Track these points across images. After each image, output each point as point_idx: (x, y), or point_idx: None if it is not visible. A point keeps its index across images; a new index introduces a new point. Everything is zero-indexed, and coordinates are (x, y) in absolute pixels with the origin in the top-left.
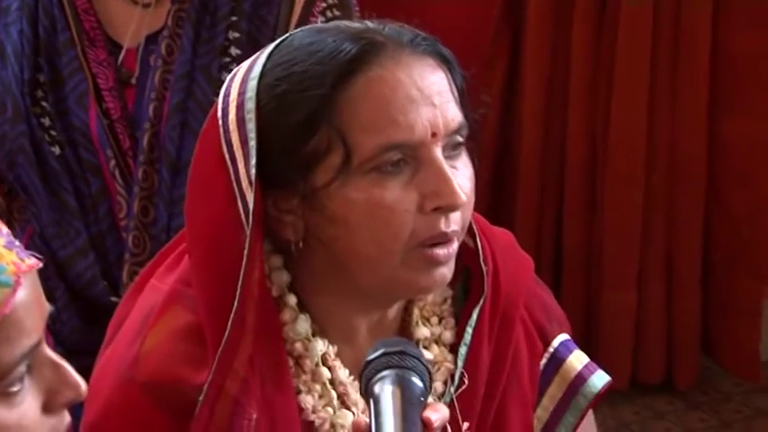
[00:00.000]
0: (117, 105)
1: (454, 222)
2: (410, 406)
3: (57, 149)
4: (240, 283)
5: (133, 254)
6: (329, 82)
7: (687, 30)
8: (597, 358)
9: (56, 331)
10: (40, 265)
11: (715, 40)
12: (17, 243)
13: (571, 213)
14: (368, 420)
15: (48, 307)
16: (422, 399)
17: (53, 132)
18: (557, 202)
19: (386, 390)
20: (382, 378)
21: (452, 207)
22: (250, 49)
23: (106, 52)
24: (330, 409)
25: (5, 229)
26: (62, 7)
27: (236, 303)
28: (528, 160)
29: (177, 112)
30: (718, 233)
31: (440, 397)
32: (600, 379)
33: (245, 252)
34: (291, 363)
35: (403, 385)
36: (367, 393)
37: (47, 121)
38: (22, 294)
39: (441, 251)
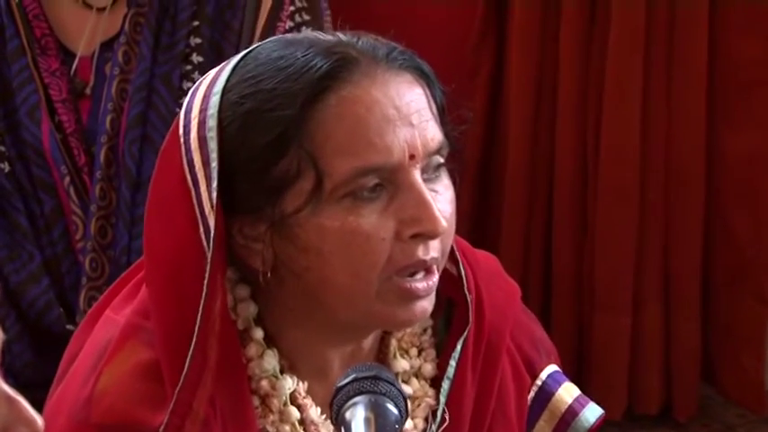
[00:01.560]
0: (71, 118)
1: (434, 249)
2: None
3: (6, 166)
4: (200, 315)
5: (90, 278)
6: (299, 101)
7: (683, 32)
8: (589, 387)
9: (6, 364)
10: None
11: (713, 44)
12: None
13: (561, 232)
14: None
15: (1, 336)
16: (396, 426)
17: (2, 148)
18: (545, 220)
19: (358, 416)
20: (354, 404)
21: (432, 234)
22: (213, 56)
23: (59, 61)
24: None
25: None
26: (11, 13)
27: (195, 337)
28: (514, 175)
29: (136, 125)
30: (719, 253)
31: None
32: (592, 413)
33: (206, 281)
34: (257, 402)
35: (376, 411)
36: (338, 422)
37: None
38: None
39: (420, 284)
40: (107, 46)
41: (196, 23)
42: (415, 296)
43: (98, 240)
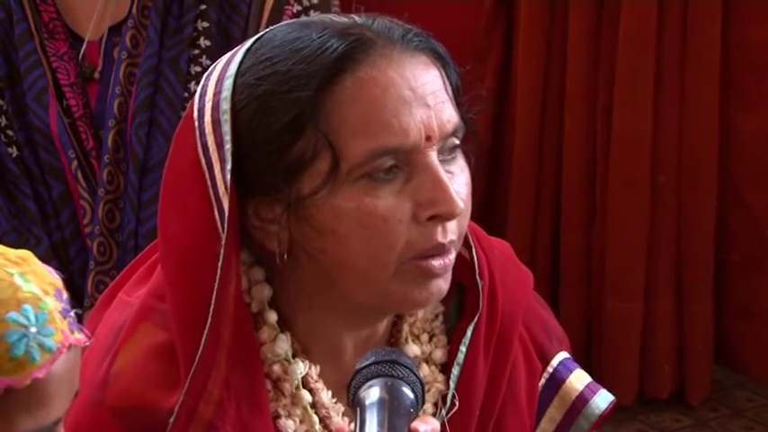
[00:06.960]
0: (79, 102)
1: (451, 232)
2: (398, 416)
3: (14, 151)
4: (214, 297)
5: (98, 262)
6: (315, 83)
7: (696, 15)
8: (600, 372)
9: None
10: (88, 343)
11: (726, 28)
12: (72, 313)
13: (570, 217)
14: (352, 428)
15: (77, 387)
16: (411, 410)
17: (10, 132)
18: (554, 206)
19: (373, 397)
20: (371, 386)
21: (449, 215)
22: (220, 39)
23: (67, 45)
24: None
25: (66, 296)
26: None
27: (209, 319)
28: (522, 160)
29: (144, 109)
30: (736, 234)
31: None
32: (603, 400)
33: (220, 263)
34: (270, 386)
35: (392, 394)
36: (354, 402)
37: (3, 121)
38: (59, 366)
39: (436, 262)
40: (115, 30)
41: (203, 7)
42: (431, 274)
43: (106, 224)
